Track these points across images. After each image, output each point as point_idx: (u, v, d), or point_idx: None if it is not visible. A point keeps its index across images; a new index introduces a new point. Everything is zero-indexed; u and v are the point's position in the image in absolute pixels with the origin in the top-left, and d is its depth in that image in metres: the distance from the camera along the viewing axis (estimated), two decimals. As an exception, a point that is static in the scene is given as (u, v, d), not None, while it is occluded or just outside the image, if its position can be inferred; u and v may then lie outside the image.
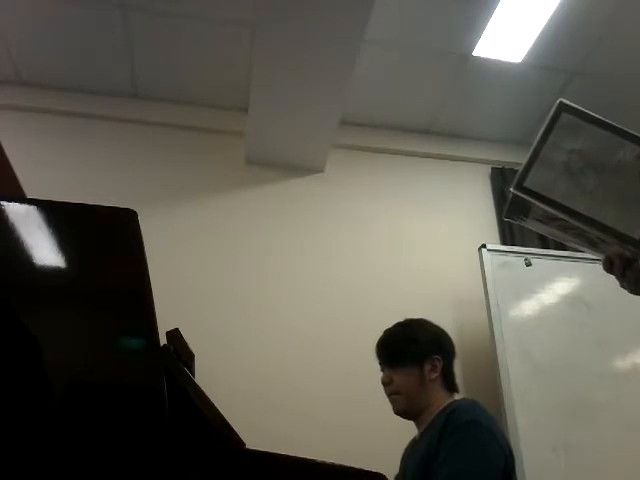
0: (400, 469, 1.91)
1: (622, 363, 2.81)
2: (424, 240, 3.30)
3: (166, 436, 0.87)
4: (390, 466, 1.77)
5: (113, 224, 0.96)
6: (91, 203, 0.95)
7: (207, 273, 2.98)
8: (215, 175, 3.27)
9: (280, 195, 3.29)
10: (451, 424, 1.64)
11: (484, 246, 2.92)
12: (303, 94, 2.89)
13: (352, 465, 0.98)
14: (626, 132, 0.98)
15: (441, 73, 3.24)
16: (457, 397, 1.87)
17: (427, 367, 1.82)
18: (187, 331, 1.21)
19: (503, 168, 3.57)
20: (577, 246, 1.07)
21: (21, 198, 1.14)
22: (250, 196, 3.26)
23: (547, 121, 1.00)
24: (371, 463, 1.05)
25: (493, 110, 3.50)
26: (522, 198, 1.00)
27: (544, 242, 3.17)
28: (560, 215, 0.98)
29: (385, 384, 1.87)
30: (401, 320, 1.94)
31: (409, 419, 1.86)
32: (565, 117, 0.99)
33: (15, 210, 0.93)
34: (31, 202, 0.96)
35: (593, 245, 1.03)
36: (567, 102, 1.00)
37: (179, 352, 1.13)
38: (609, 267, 1.05)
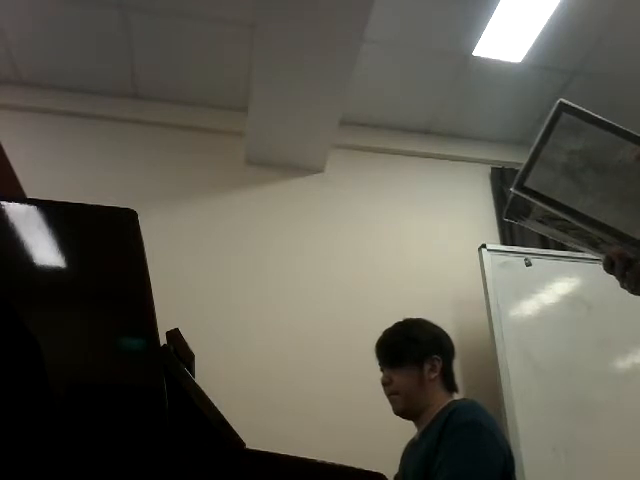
0: (400, 469, 1.91)
1: (622, 363, 2.81)
2: (424, 240, 3.30)
3: (166, 436, 0.87)
4: (390, 466, 1.77)
5: (113, 224, 0.96)
6: (91, 203, 0.95)
7: (207, 273, 2.98)
8: (215, 175, 3.27)
9: (280, 195, 3.29)
10: (451, 424, 1.64)
11: (484, 246, 2.92)
12: (303, 94, 2.89)
13: (352, 465, 0.98)
14: (627, 132, 0.98)
15: (441, 73, 3.24)
16: (457, 397, 1.87)
17: (427, 367, 1.83)
18: (187, 331, 1.21)
19: (503, 168, 3.57)
20: (577, 246, 1.07)
21: (21, 198, 1.14)
22: (250, 196, 3.26)
23: (547, 121, 1.00)
24: (371, 463, 1.05)
25: (493, 110, 3.50)
26: (522, 198, 1.00)
27: (544, 242, 3.17)
28: (561, 215, 0.98)
29: (385, 384, 1.87)
30: (401, 320, 1.94)
31: (409, 419, 1.86)
32: (565, 117, 0.99)
33: (15, 210, 0.93)
34: (31, 202, 0.96)
35: (593, 245, 1.03)
36: (567, 102, 1.00)
37: (179, 352, 1.12)
38: (609, 267, 1.05)
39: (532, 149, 1.00)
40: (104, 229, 0.97)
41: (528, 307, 2.85)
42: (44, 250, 0.93)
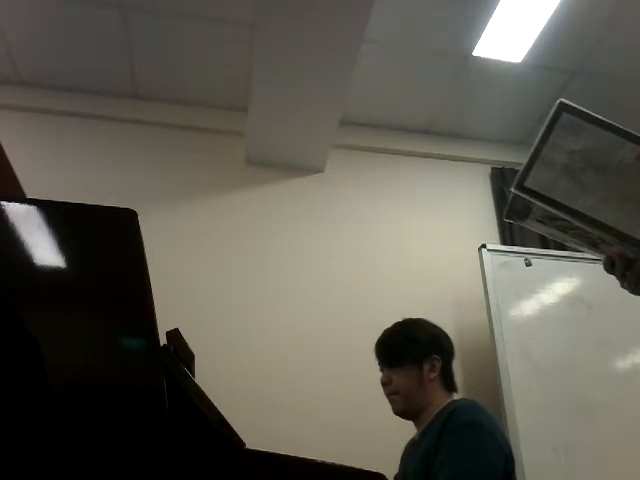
0: (400, 469, 1.91)
1: (622, 363, 2.81)
2: (424, 240, 3.30)
3: (166, 436, 0.87)
4: (390, 466, 1.77)
5: (113, 224, 0.96)
6: (91, 203, 0.95)
7: (207, 273, 2.98)
8: (215, 175, 3.27)
9: (280, 195, 3.29)
10: (451, 424, 1.64)
11: (484, 246, 2.92)
12: (303, 94, 2.89)
13: (352, 465, 0.98)
14: (627, 132, 0.98)
15: (441, 73, 3.24)
16: (456, 397, 1.87)
17: (426, 367, 1.82)
18: (187, 331, 1.21)
19: (503, 168, 3.57)
20: (577, 246, 1.07)
21: (21, 198, 1.14)
22: (250, 196, 3.26)
23: (547, 121, 1.00)
24: (371, 463, 1.05)
25: (493, 110, 3.50)
26: (523, 198, 1.00)
27: (544, 242, 3.17)
28: (561, 215, 0.98)
29: (384, 384, 1.87)
30: (400, 320, 1.94)
31: (408, 419, 1.86)
32: (565, 117, 0.99)
33: (15, 210, 0.93)
34: (31, 202, 0.96)
35: (594, 245, 1.03)
36: (567, 102, 1.00)
37: (179, 352, 1.12)
38: (610, 267, 1.05)
39: (532, 149, 1.00)
40: (104, 229, 0.97)
41: (528, 307, 2.85)
42: (44, 250, 0.93)
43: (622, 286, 1.06)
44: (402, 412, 1.84)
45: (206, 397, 1.06)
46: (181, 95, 3.38)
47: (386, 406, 1.87)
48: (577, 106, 1.00)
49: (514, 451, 1.75)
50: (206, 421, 1.03)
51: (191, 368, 1.19)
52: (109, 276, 0.95)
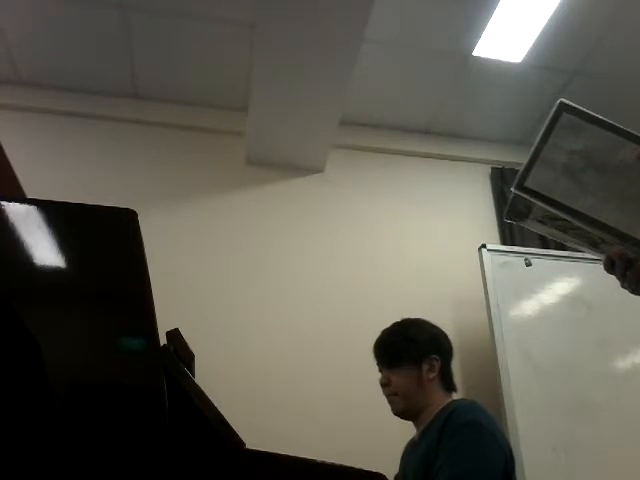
0: (400, 469, 1.91)
1: (622, 363, 2.81)
2: (424, 240, 3.30)
3: (166, 436, 0.87)
4: (390, 466, 1.77)
5: (113, 224, 0.96)
6: (91, 203, 0.95)
7: (207, 273, 2.98)
8: (215, 175, 3.27)
9: (280, 195, 3.29)
10: (451, 424, 1.64)
11: (484, 246, 2.92)
12: (303, 94, 2.89)
13: (352, 465, 0.98)
14: (627, 132, 0.98)
15: (441, 73, 3.24)
16: (456, 397, 1.87)
17: (425, 367, 1.82)
18: (187, 331, 1.21)
19: (503, 168, 3.57)
20: (577, 247, 1.07)
21: (21, 198, 1.14)
22: (250, 196, 3.26)
23: (548, 121, 1.00)
24: (371, 463, 1.05)
25: (493, 110, 3.50)
26: (523, 198, 1.00)
27: (544, 242, 3.17)
28: (561, 215, 0.98)
29: (383, 385, 1.87)
30: (399, 320, 1.94)
31: (408, 419, 1.86)
32: (566, 117, 0.99)
33: (15, 210, 0.93)
34: (31, 202, 0.96)
35: (594, 245, 1.03)
36: (568, 102, 1.00)
37: (179, 352, 1.12)
38: (610, 267, 1.05)
39: (532, 149, 1.00)
40: (104, 229, 0.97)
41: (528, 307, 2.85)
42: (44, 250, 0.93)
43: (622, 286, 1.06)
44: (402, 413, 1.84)
45: (206, 397, 1.06)
46: (181, 95, 3.38)
47: (386, 406, 1.87)
48: (577, 106, 1.00)
49: (514, 451, 1.75)
50: (206, 421, 1.03)
51: (191, 368, 1.19)
52: (109, 276, 0.95)
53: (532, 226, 1.07)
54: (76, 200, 0.94)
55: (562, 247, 2.89)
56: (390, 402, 1.86)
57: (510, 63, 3.18)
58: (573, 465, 2.48)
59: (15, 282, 0.90)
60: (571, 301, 2.88)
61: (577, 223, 0.98)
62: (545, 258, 2.98)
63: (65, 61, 3.17)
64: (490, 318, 2.73)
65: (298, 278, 3.07)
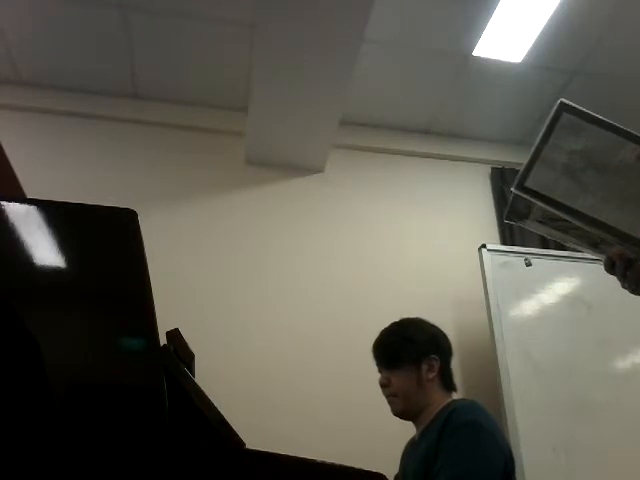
0: (400, 468, 1.91)
1: (622, 363, 2.81)
2: (424, 240, 3.30)
3: (166, 436, 0.87)
4: (390, 466, 1.77)
5: (113, 224, 0.96)
6: (91, 203, 0.95)
7: (207, 273, 2.98)
8: (215, 175, 3.27)
9: (280, 195, 3.29)
10: (451, 424, 1.64)
11: (484, 246, 2.92)
12: (303, 94, 2.89)
13: (352, 465, 0.98)
14: (627, 132, 0.98)
15: (441, 73, 3.24)
16: (455, 396, 1.87)
17: (424, 367, 1.82)
18: (187, 331, 1.21)
19: (503, 168, 3.57)
20: (577, 247, 1.07)
21: (21, 198, 1.14)
22: (250, 196, 3.26)
23: (548, 121, 1.00)
24: (371, 463, 1.05)
25: (493, 110, 3.50)
26: (523, 199, 1.00)
27: (544, 242, 3.17)
28: (561, 215, 0.98)
29: (383, 386, 1.86)
30: (397, 320, 1.94)
31: (408, 420, 1.86)
32: (566, 117, 0.99)
33: (15, 210, 0.93)
34: (31, 202, 0.96)
35: (594, 246, 1.03)
36: (568, 102, 1.00)
37: (179, 352, 1.12)
38: (610, 268, 1.05)
39: (533, 149, 1.00)
40: (104, 229, 0.97)
41: (528, 307, 2.85)
42: (44, 250, 0.93)
43: (623, 286, 1.06)
44: (401, 413, 1.84)
45: (206, 397, 1.06)
46: (181, 95, 3.38)
47: (386, 406, 1.87)
48: (577, 106, 1.00)
49: (514, 451, 1.75)
50: (206, 421, 1.03)
51: (191, 368, 1.19)
52: (109, 276, 0.95)
53: (532, 227, 1.07)
54: (76, 200, 0.94)
55: (562, 247, 2.88)
56: (390, 403, 1.85)
57: (510, 63, 3.18)
58: (573, 465, 2.48)
59: (15, 282, 0.90)
60: (571, 301, 2.88)
61: (577, 223, 0.98)
62: (545, 258, 2.98)
63: (65, 61, 3.17)
64: (490, 318, 2.73)
65: (298, 278, 3.07)
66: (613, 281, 1.07)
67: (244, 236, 3.13)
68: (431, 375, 1.82)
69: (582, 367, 2.70)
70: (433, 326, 1.92)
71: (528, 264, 2.92)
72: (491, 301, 2.76)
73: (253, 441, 1.15)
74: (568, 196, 0.97)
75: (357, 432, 2.61)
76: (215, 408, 1.06)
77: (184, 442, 0.90)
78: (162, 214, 3.04)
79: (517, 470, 1.71)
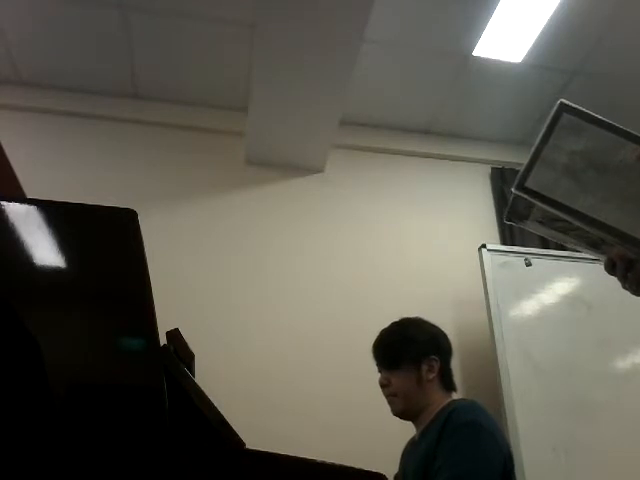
0: (400, 468, 1.91)
1: (622, 363, 2.81)
2: (424, 240, 3.30)
3: (166, 436, 0.87)
4: (390, 466, 1.77)
5: (113, 224, 0.96)
6: (91, 203, 0.95)
7: (207, 273, 2.98)
8: (215, 175, 3.27)
9: (280, 195, 3.29)
10: (450, 424, 1.64)
11: (484, 246, 2.92)
12: (303, 94, 2.89)
13: (352, 465, 0.98)
14: (627, 132, 0.98)
15: (441, 73, 3.24)
16: (455, 396, 1.87)
17: (424, 367, 1.82)
18: (187, 331, 1.21)
19: (503, 168, 3.57)
20: (578, 248, 1.07)
21: (21, 198, 1.14)
22: (250, 196, 3.26)
23: (548, 122, 1.00)
24: (371, 463, 1.05)
25: (493, 110, 3.50)
26: (523, 199, 1.00)
27: (544, 242, 3.17)
28: (562, 215, 0.98)
29: (383, 386, 1.86)
30: (397, 320, 1.94)
31: (408, 420, 1.86)
32: (566, 117, 0.99)
33: (15, 210, 0.93)
34: (31, 202, 0.96)
35: (594, 246, 1.03)
36: (568, 102, 1.00)
37: (179, 352, 1.12)
38: (611, 269, 1.05)
39: (533, 149, 1.00)
40: (104, 229, 0.97)
41: (528, 307, 2.85)
42: (44, 250, 0.93)
43: (624, 287, 1.06)
44: (401, 413, 1.84)
45: (206, 397, 1.06)
46: (181, 95, 3.38)
47: (386, 406, 1.87)
48: (577, 106, 1.00)
49: (514, 451, 1.75)
50: (206, 421, 1.03)
51: (191, 368, 1.19)
52: (109, 276, 0.95)
53: (532, 227, 1.07)
54: (76, 200, 0.94)
55: (562, 247, 2.85)
56: (390, 403, 1.85)
57: (510, 63, 3.17)
58: (573, 465, 2.48)
59: (15, 282, 0.90)
60: (571, 301, 2.88)
61: (577, 223, 0.98)
62: (545, 258, 2.98)
63: (65, 61, 3.17)
64: (490, 318, 2.73)
65: (298, 278, 3.07)
66: (613, 281, 1.07)
67: (244, 236, 3.13)
68: (431, 375, 1.82)
69: (582, 367, 2.70)
70: (433, 326, 1.92)
71: (528, 264, 2.92)
72: (491, 301, 2.76)
73: (253, 441, 1.15)
74: (568, 196, 0.97)
75: (357, 432, 2.61)
76: (215, 408, 1.06)
77: (184, 442, 0.90)
78: (162, 214, 3.04)
79: (517, 470, 1.72)
